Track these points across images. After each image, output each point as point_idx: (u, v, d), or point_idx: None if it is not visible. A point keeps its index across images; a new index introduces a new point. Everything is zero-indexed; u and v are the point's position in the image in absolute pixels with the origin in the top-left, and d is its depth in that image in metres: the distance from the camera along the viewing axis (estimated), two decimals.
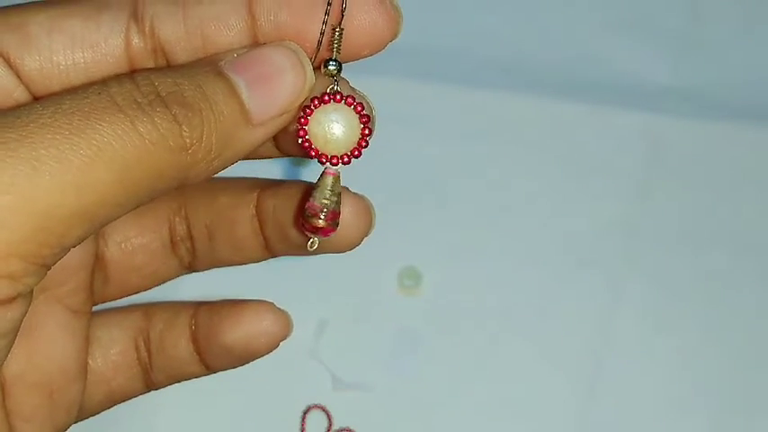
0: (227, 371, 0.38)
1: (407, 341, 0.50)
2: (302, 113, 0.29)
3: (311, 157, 0.30)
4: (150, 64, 0.29)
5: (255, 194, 0.35)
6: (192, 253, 0.36)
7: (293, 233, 0.34)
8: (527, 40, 0.56)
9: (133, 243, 0.36)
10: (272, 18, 0.28)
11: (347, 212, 0.31)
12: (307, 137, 0.29)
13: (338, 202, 0.30)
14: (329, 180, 0.30)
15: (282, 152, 0.33)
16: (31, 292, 0.25)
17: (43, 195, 0.23)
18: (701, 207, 0.53)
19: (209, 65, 0.27)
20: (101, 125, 0.24)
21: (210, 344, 0.36)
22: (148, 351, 0.36)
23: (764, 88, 0.56)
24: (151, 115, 0.25)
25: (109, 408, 0.36)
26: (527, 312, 0.51)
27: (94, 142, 0.24)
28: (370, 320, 0.51)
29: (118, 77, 0.26)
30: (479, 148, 0.54)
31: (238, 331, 0.35)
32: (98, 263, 0.35)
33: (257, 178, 0.36)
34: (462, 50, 0.56)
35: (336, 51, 0.29)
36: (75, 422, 0.34)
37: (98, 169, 0.24)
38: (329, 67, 0.29)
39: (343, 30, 0.28)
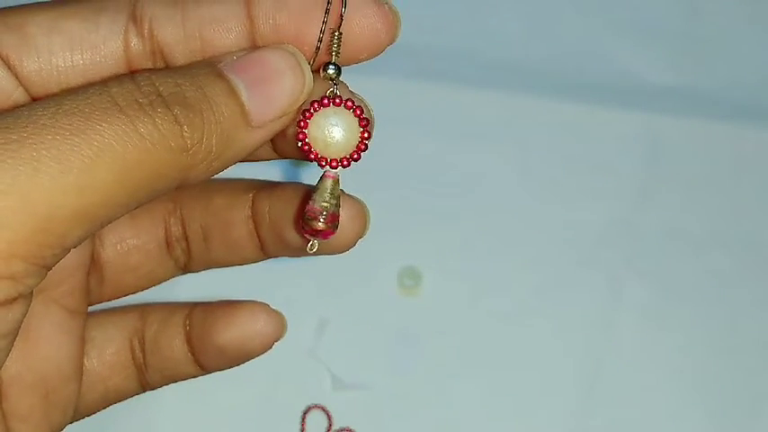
0: (227, 371, 0.38)
1: (407, 341, 0.50)
2: (302, 117, 0.29)
3: (310, 161, 0.30)
4: (149, 66, 0.29)
5: (251, 196, 0.35)
6: (188, 254, 0.36)
7: (289, 235, 0.34)
8: (527, 40, 0.56)
9: (129, 244, 0.36)
10: (270, 21, 0.28)
11: (343, 215, 0.31)
12: (306, 140, 0.29)
13: (338, 205, 0.30)
14: (329, 183, 0.30)
15: (280, 154, 0.33)
16: (32, 292, 0.25)
17: (44, 196, 0.23)
18: (700, 207, 0.54)
19: (209, 66, 0.27)
20: (101, 126, 0.24)
21: (204, 344, 0.36)
22: (143, 351, 0.36)
23: (764, 88, 0.56)
24: (152, 116, 0.25)
25: (104, 408, 0.36)
26: (527, 312, 0.51)
27: (95, 143, 0.24)
28: (370, 320, 0.51)
29: (118, 78, 0.26)
30: (479, 148, 0.54)
31: (232, 332, 0.35)
32: (94, 263, 0.35)
33: (253, 180, 0.36)
34: (462, 51, 0.56)
35: (335, 55, 0.29)
36: (71, 422, 0.34)
37: (99, 170, 0.24)
38: (328, 71, 0.29)
39: (341, 33, 0.28)
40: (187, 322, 0.36)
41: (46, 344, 0.32)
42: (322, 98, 0.29)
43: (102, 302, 0.36)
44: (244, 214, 0.35)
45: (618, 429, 0.49)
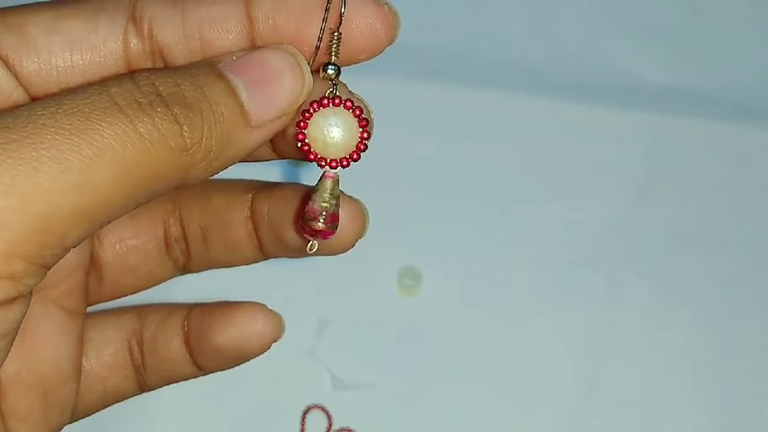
0: (227, 371, 0.38)
1: (407, 341, 0.50)
2: (301, 117, 0.29)
3: (310, 161, 0.30)
4: (148, 66, 0.29)
5: (250, 196, 0.35)
6: (187, 254, 0.36)
7: (287, 235, 0.34)
8: (527, 40, 0.56)
9: (128, 244, 0.36)
10: (270, 21, 0.28)
11: (342, 216, 0.31)
12: (306, 140, 0.29)
13: (337, 205, 0.30)
14: (328, 183, 0.30)
15: (279, 155, 0.33)
16: (31, 292, 0.25)
17: (44, 196, 0.23)
18: (700, 207, 0.54)
19: (209, 66, 0.27)
20: (101, 125, 0.24)
21: (203, 345, 0.36)
22: (141, 352, 0.36)
23: (764, 88, 0.56)
24: (152, 115, 0.25)
25: (103, 408, 0.36)
26: (527, 312, 0.51)
27: (95, 143, 0.24)
28: (370, 320, 0.51)
29: (118, 78, 0.26)
30: (479, 148, 0.54)
31: (230, 332, 0.36)
32: (93, 264, 0.35)
33: (252, 180, 0.36)
34: (462, 51, 0.56)
35: (335, 55, 0.29)
36: (69, 423, 0.34)
37: (99, 170, 0.24)
38: (328, 71, 0.29)
39: (341, 34, 0.28)
40: (185, 323, 0.36)
41: (44, 344, 0.32)
42: (321, 98, 0.29)
43: (100, 303, 0.36)
44: (243, 215, 0.35)
45: (618, 429, 0.49)
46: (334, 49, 0.29)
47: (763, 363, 0.50)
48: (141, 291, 0.37)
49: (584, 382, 0.50)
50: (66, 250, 0.25)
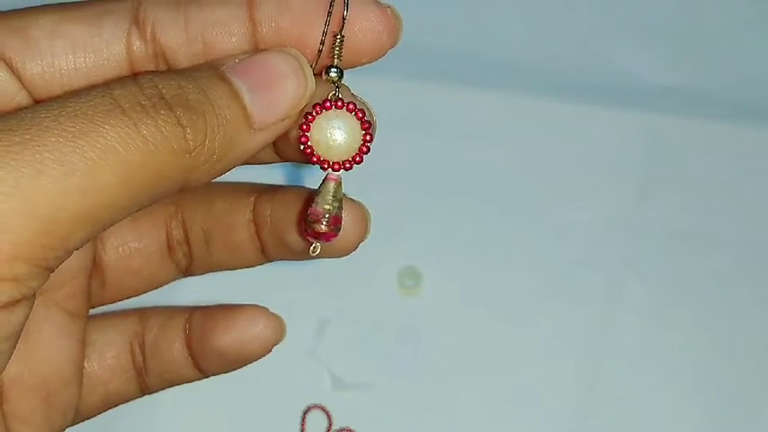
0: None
1: (407, 341, 0.50)
2: (304, 120, 0.29)
3: (313, 163, 0.30)
4: (151, 68, 0.29)
5: (252, 199, 0.35)
6: (189, 257, 0.36)
7: (290, 238, 0.34)
8: (527, 40, 0.56)
9: (130, 247, 0.35)
10: (272, 24, 0.28)
11: (344, 218, 0.31)
12: (309, 143, 0.29)
13: (340, 208, 0.30)
14: (331, 186, 0.30)
15: (282, 157, 0.33)
16: (35, 294, 0.25)
17: (47, 199, 0.23)
18: (700, 207, 0.54)
19: (212, 69, 0.27)
20: (104, 128, 0.24)
21: (204, 348, 0.36)
22: (143, 355, 0.36)
23: (764, 88, 0.56)
24: (155, 118, 0.25)
25: (104, 411, 0.36)
26: (527, 312, 0.51)
27: (98, 145, 0.24)
28: (370, 320, 0.51)
29: (121, 80, 0.26)
30: (479, 148, 0.54)
31: (231, 335, 0.35)
32: (95, 266, 0.35)
33: (254, 183, 0.36)
34: (462, 51, 0.56)
35: (338, 58, 0.29)
36: (71, 425, 0.34)
37: (102, 172, 0.24)
38: (331, 74, 0.29)
39: (343, 37, 0.28)
40: (187, 326, 0.36)
41: (47, 346, 0.32)
42: (324, 101, 0.29)
43: (103, 305, 0.36)
44: (245, 218, 0.35)
45: (618, 429, 0.50)
46: (336, 52, 0.29)
47: (762, 363, 0.51)
48: (143, 293, 0.37)
49: (584, 382, 0.50)
50: (69, 253, 0.25)
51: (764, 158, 0.55)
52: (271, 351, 0.36)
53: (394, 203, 0.51)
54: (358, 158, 0.30)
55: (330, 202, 0.30)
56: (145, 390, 0.37)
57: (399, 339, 0.50)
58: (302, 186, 0.35)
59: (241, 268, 0.37)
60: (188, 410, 0.48)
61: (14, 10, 0.29)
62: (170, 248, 0.36)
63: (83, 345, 0.34)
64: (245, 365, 0.37)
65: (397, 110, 0.50)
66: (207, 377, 0.37)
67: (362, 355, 0.50)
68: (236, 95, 0.27)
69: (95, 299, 0.35)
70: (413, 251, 0.52)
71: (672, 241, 0.53)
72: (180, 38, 0.29)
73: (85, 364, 0.35)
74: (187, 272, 0.37)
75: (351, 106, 0.29)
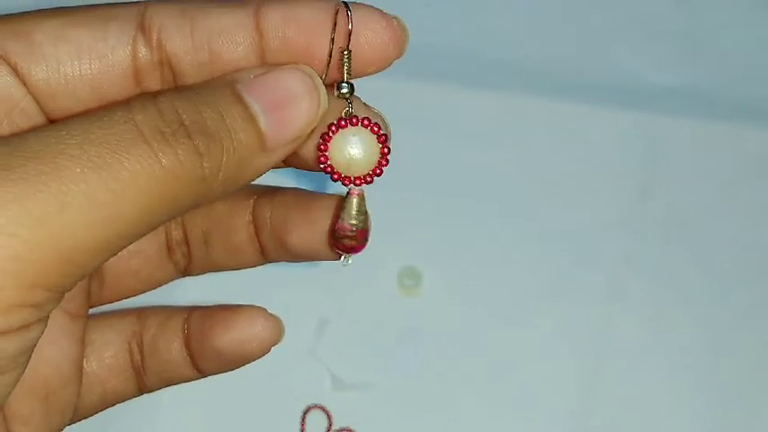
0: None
1: (407, 341, 0.50)
2: (321, 140, 0.29)
3: (334, 180, 0.30)
4: (156, 76, 0.29)
5: (251, 201, 0.35)
6: (188, 257, 0.36)
7: (289, 240, 0.34)
8: (527, 40, 0.56)
9: (129, 248, 0.35)
10: (279, 35, 0.28)
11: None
12: (328, 162, 0.30)
13: (365, 220, 0.31)
14: (355, 201, 0.31)
15: (286, 164, 0.33)
16: (49, 314, 0.26)
17: (71, 231, 0.24)
18: (700, 207, 0.54)
19: (228, 88, 0.27)
20: (127, 158, 0.24)
21: (203, 347, 0.36)
22: (142, 354, 0.36)
23: (764, 88, 0.56)
24: (175, 147, 0.25)
25: (102, 410, 0.36)
26: (527, 312, 0.51)
27: (122, 177, 0.24)
28: (370, 320, 0.51)
29: (141, 102, 0.26)
30: (479, 148, 0.54)
31: (230, 335, 0.36)
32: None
33: (254, 185, 0.36)
34: (462, 51, 0.56)
35: (347, 73, 0.29)
36: (70, 424, 0.34)
37: (123, 204, 0.24)
38: (342, 90, 0.29)
39: (351, 51, 0.28)
40: (185, 326, 0.36)
41: (47, 346, 0.32)
42: (339, 120, 0.29)
43: (102, 305, 0.36)
44: (245, 219, 0.35)
45: (618, 429, 0.50)
46: (345, 68, 0.29)
47: (763, 363, 0.51)
48: (142, 293, 0.37)
49: (584, 382, 0.50)
50: (85, 276, 0.25)
51: (764, 158, 0.55)
52: (269, 351, 0.36)
53: (394, 203, 0.51)
54: (378, 171, 0.30)
55: (355, 216, 0.31)
56: (143, 389, 0.37)
57: (399, 339, 0.50)
58: (301, 189, 0.35)
59: (240, 269, 0.37)
60: (187, 410, 0.48)
61: (19, 13, 0.29)
62: (169, 249, 0.36)
63: (82, 344, 0.34)
64: (243, 365, 0.37)
65: (397, 110, 0.50)
66: (205, 377, 0.37)
67: (362, 355, 0.50)
68: (251, 118, 0.27)
69: (94, 299, 0.35)
70: (413, 251, 0.52)
71: (672, 241, 0.53)
72: (186, 45, 0.28)
73: (84, 364, 0.35)
74: (186, 272, 0.37)
75: (366, 122, 0.29)
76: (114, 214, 0.24)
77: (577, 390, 0.50)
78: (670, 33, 0.57)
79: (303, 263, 0.46)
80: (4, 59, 0.28)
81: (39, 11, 0.29)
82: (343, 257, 0.33)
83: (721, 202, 0.54)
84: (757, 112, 0.55)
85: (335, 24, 0.28)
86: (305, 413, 0.49)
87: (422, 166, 0.53)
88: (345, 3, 0.28)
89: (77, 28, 0.28)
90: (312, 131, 0.29)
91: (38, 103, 0.29)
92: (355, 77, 0.29)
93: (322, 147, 0.29)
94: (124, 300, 0.37)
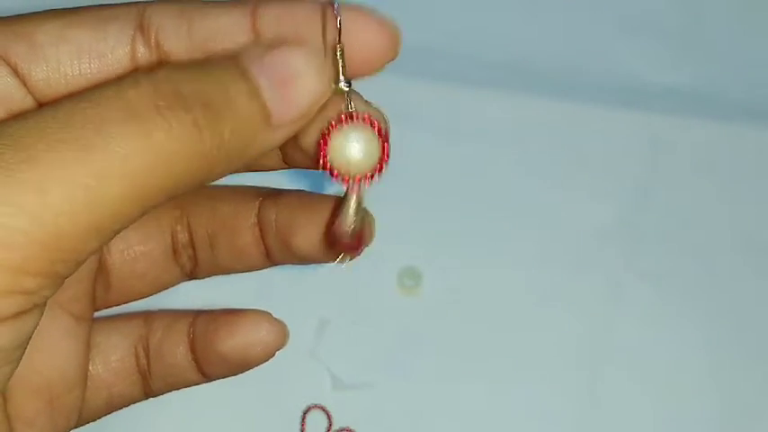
0: None
1: (407, 341, 0.50)
2: (321, 138, 0.29)
3: (333, 180, 0.30)
4: None
5: (257, 203, 0.35)
6: (194, 260, 0.36)
7: (295, 243, 0.34)
8: (527, 40, 0.56)
9: (135, 251, 0.35)
10: (274, 34, 0.28)
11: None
12: (327, 160, 0.29)
13: (363, 221, 0.31)
14: (353, 202, 0.30)
15: (289, 164, 0.32)
16: (45, 303, 0.25)
17: (52, 217, 0.23)
18: (701, 207, 0.54)
19: (232, 62, 0.26)
20: (112, 138, 0.24)
21: (207, 352, 0.36)
22: (147, 358, 0.36)
23: (765, 88, 0.56)
24: (169, 120, 0.24)
25: (108, 414, 0.36)
26: (527, 312, 0.51)
27: (105, 158, 0.23)
28: (370, 320, 0.51)
29: (134, 77, 0.25)
30: (479, 148, 0.54)
31: (234, 340, 0.36)
32: (100, 270, 0.35)
33: (259, 187, 0.36)
34: (462, 51, 0.55)
35: (342, 68, 0.28)
36: (74, 428, 0.34)
37: (110, 185, 0.24)
38: (340, 86, 0.28)
39: (343, 46, 0.28)
40: (191, 330, 0.36)
41: (52, 349, 0.32)
42: (339, 116, 0.29)
43: (107, 308, 0.36)
44: (250, 222, 0.35)
45: (618, 429, 0.49)
46: (340, 63, 0.28)
47: (763, 363, 0.51)
48: (148, 296, 0.37)
49: (584, 382, 0.50)
50: (81, 262, 0.25)
51: (764, 158, 0.55)
52: (274, 356, 0.36)
53: (394, 203, 0.51)
54: (378, 172, 0.30)
55: (353, 217, 0.30)
56: (149, 393, 0.37)
57: (399, 339, 0.50)
58: (306, 191, 0.35)
59: (246, 272, 0.37)
60: (187, 410, 0.48)
61: (20, 15, 0.29)
62: (175, 252, 0.36)
63: (87, 348, 0.34)
64: (248, 370, 0.37)
65: (397, 109, 0.50)
66: (210, 381, 0.37)
67: (362, 355, 0.50)
68: (256, 92, 0.26)
69: (100, 302, 0.35)
70: (413, 251, 0.52)
71: (672, 241, 0.53)
72: (183, 45, 0.28)
73: (90, 367, 0.35)
74: (192, 275, 0.37)
75: (367, 118, 0.29)
76: (100, 198, 0.23)
77: (577, 389, 0.50)
78: (670, 33, 0.57)
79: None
80: (5, 60, 0.28)
81: (39, 12, 0.29)
82: (339, 258, 0.32)
83: (721, 202, 0.54)
84: (757, 112, 0.55)
85: (324, 22, 0.28)
86: (305, 413, 0.49)
87: (422, 166, 0.53)
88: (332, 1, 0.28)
89: (78, 28, 0.28)
90: (314, 118, 0.28)
91: (38, 103, 0.29)
92: (349, 80, 0.29)
93: (322, 144, 0.29)
94: (130, 303, 0.37)
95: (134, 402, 0.37)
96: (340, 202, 0.31)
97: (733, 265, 0.52)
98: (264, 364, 0.38)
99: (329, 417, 0.49)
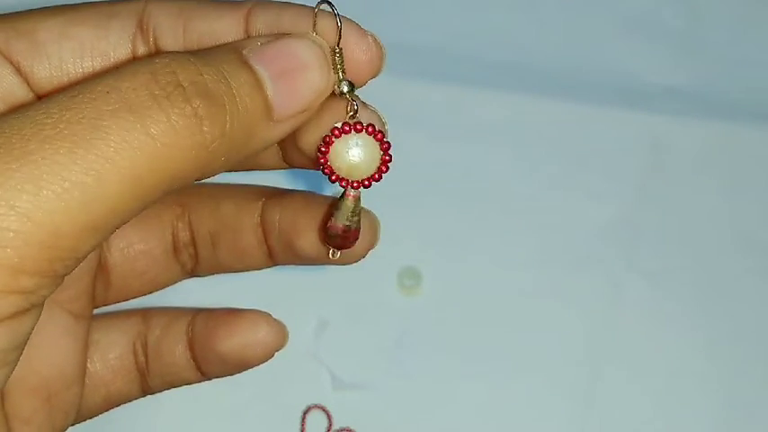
0: None
1: (407, 341, 0.50)
2: (323, 142, 0.29)
3: (332, 182, 0.30)
4: None
5: (260, 204, 0.35)
6: (195, 258, 0.36)
7: (298, 244, 0.34)
8: (527, 40, 0.56)
9: (135, 249, 0.35)
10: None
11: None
12: (328, 163, 0.29)
13: (359, 221, 0.31)
14: (350, 202, 0.30)
15: (289, 164, 0.32)
16: (44, 301, 0.25)
17: (47, 216, 0.23)
18: (701, 207, 0.53)
19: (234, 53, 0.26)
20: (107, 133, 0.23)
21: (206, 351, 0.36)
22: (146, 356, 0.36)
23: (764, 88, 0.56)
24: (168, 112, 0.24)
25: (105, 411, 0.36)
26: (527, 312, 0.51)
27: (100, 154, 0.23)
28: (370, 320, 0.50)
29: (133, 67, 0.25)
30: (479, 148, 0.54)
31: (234, 340, 0.36)
32: (100, 268, 0.35)
33: (262, 186, 0.36)
34: (462, 51, 0.55)
35: (341, 71, 0.28)
36: (72, 425, 0.34)
37: (106, 182, 0.23)
38: (342, 88, 0.28)
39: (342, 49, 0.28)
40: (190, 329, 0.36)
41: (50, 347, 0.32)
42: (343, 125, 0.29)
43: (106, 305, 0.36)
44: (253, 221, 0.35)
45: (618, 429, 0.49)
46: (339, 66, 0.28)
47: (764, 363, 0.50)
48: (148, 294, 0.37)
49: (584, 382, 0.50)
50: (80, 260, 0.24)
51: (764, 158, 0.55)
52: (272, 357, 0.36)
53: (394, 203, 0.51)
54: (377, 176, 0.30)
55: (349, 217, 0.31)
56: (146, 390, 0.37)
57: (399, 339, 0.50)
58: (310, 191, 0.35)
59: (247, 271, 0.37)
60: (187, 410, 0.48)
61: (21, 12, 0.29)
62: (176, 250, 0.36)
63: (86, 346, 0.34)
64: (246, 370, 0.37)
65: (397, 109, 0.50)
66: (208, 379, 0.37)
67: (362, 355, 0.50)
68: (258, 84, 0.26)
69: (99, 299, 0.35)
70: (413, 251, 0.52)
71: (672, 241, 0.53)
72: (177, 46, 0.28)
73: (88, 365, 0.35)
74: (192, 273, 0.37)
75: (370, 129, 0.29)
76: (96, 195, 0.23)
77: (578, 389, 0.50)
78: (670, 33, 0.57)
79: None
80: (8, 58, 0.28)
81: (41, 9, 0.29)
82: (331, 251, 0.33)
83: (721, 202, 0.54)
84: (757, 112, 0.55)
85: (315, 26, 0.28)
86: (305, 413, 0.49)
87: (422, 166, 0.53)
88: (330, 3, 0.28)
89: (80, 26, 0.28)
90: (315, 116, 0.28)
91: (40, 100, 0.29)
92: (351, 81, 0.29)
93: (323, 149, 0.29)
94: (129, 300, 0.37)
95: (131, 400, 0.37)
96: (336, 201, 0.31)
97: (733, 265, 0.52)
98: (264, 364, 0.38)
99: (329, 417, 0.49)
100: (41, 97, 0.29)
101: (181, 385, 0.38)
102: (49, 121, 0.23)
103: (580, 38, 0.57)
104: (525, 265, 0.52)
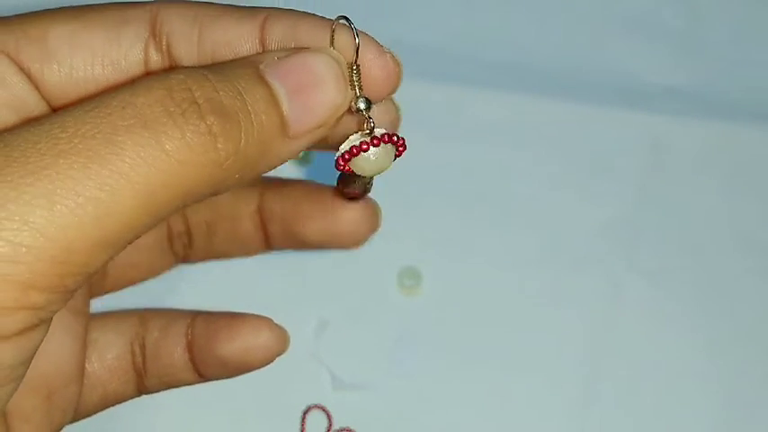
0: None
1: (407, 341, 0.50)
2: (341, 156, 0.28)
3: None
4: None
5: (256, 191, 0.35)
6: (189, 246, 0.36)
7: (302, 232, 0.34)
8: (527, 40, 0.56)
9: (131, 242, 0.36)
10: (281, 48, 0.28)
11: (357, 214, 0.32)
12: (348, 167, 0.29)
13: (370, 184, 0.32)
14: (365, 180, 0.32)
15: (204, 378, 0.33)
16: (52, 317, 0.25)
17: (61, 232, 0.22)
18: (701, 207, 0.53)
19: (251, 67, 0.26)
20: (122, 149, 0.23)
21: (206, 354, 0.36)
22: (143, 356, 0.36)
23: (764, 88, 0.56)
24: (183, 129, 0.23)
25: (102, 410, 0.36)
26: (527, 312, 0.51)
27: (115, 169, 0.23)
28: (370, 320, 0.50)
29: (146, 82, 0.24)
30: (479, 148, 0.54)
31: (235, 344, 0.36)
32: None
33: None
34: (462, 51, 0.56)
35: (359, 88, 0.27)
36: (69, 423, 0.34)
37: (120, 198, 0.23)
38: (360, 105, 0.28)
39: (359, 66, 0.27)
40: (188, 331, 0.36)
41: (49, 344, 0.32)
42: (361, 144, 0.28)
43: (101, 295, 0.36)
44: (250, 210, 0.35)
45: (618, 429, 0.49)
46: (356, 83, 0.27)
47: (763, 362, 0.50)
48: (142, 282, 0.37)
49: (584, 382, 0.50)
50: (91, 275, 0.24)
51: (764, 158, 0.55)
52: (273, 361, 0.36)
53: (394, 203, 0.51)
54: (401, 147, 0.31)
55: (366, 184, 0.32)
56: (143, 391, 0.37)
57: (399, 339, 0.50)
58: (308, 180, 0.35)
59: (241, 257, 0.37)
60: (187, 410, 0.48)
61: (31, 14, 0.28)
62: (170, 239, 0.36)
63: (84, 343, 0.34)
64: (245, 373, 0.37)
65: None
66: (206, 381, 0.37)
67: (362, 355, 0.50)
68: (274, 100, 0.25)
69: (94, 290, 0.35)
70: (413, 251, 0.52)
71: (672, 241, 0.53)
72: (191, 53, 0.28)
73: (86, 364, 0.35)
74: (185, 259, 0.37)
75: (386, 138, 0.29)
76: (110, 210, 0.23)
77: (577, 389, 0.50)
78: (670, 33, 0.57)
79: (304, 262, 0.47)
80: (18, 65, 0.28)
81: (51, 11, 0.28)
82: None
83: (721, 202, 0.54)
84: (757, 112, 0.55)
85: (333, 39, 0.27)
86: (305, 413, 0.49)
87: (422, 166, 0.53)
88: (346, 18, 0.27)
89: (91, 32, 0.28)
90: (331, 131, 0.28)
91: (51, 106, 0.28)
92: (368, 98, 0.28)
93: (341, 161, 0.29)
94: (125, 298, 0.37)
95: (128, 399, 0.37)
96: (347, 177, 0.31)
97: (733, 265, 0.52)
98: None
99: (329, 417, 0.49)
100: (52, 104, 0.28)
101: (178, 386, 0.38)
102: (63, 135, 0.23)
103: (580, 38, 0.57)
104: (525, 265, 0.52)
